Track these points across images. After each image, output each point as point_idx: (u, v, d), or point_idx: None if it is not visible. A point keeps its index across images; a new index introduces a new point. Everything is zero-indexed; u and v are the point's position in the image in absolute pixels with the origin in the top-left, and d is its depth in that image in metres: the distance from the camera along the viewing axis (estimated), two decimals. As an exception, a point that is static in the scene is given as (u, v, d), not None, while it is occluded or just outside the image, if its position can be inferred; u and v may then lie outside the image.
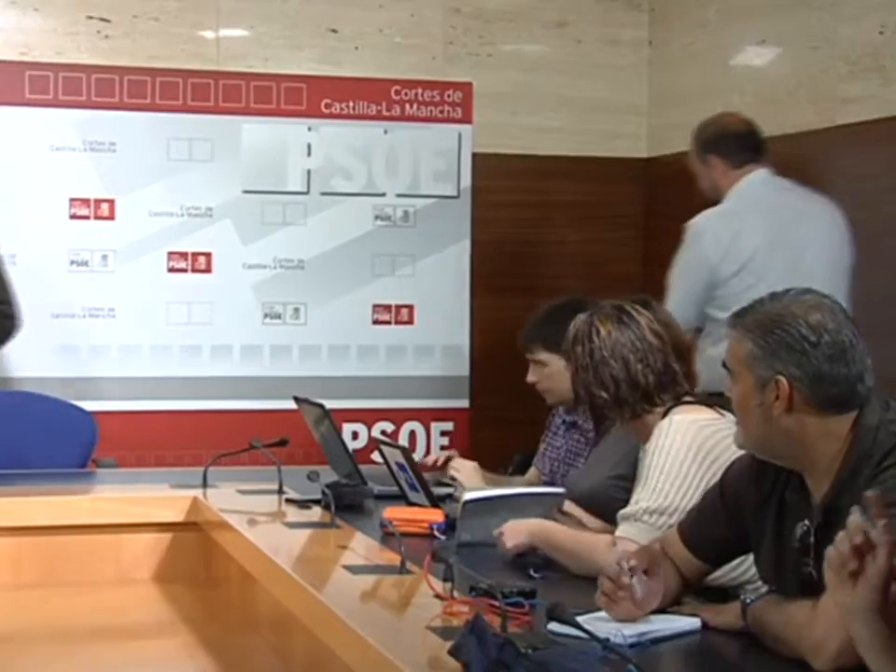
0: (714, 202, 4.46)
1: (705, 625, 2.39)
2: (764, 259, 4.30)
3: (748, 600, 2.31)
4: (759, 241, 4.33)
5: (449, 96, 5.73)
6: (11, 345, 5.26)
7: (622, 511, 2.86)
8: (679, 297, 4.33)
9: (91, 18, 5.47)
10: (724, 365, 2.41)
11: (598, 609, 2.37)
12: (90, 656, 3.21)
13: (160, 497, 3.84)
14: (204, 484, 3.89)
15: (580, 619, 2.22)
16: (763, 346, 2.32)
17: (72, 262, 5.39)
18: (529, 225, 5.10)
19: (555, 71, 5.97)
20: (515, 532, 2.96)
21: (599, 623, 2.28)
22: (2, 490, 3.84)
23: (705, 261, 4.35)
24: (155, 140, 5.46)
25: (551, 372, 3.77)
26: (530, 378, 3.87)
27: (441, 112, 5.73)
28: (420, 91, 5.72)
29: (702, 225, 4.38)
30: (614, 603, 2.36)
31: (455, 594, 2.50)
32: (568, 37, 5.98)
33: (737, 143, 4.44)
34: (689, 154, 4.55)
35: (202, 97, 5.51)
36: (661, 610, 2.41)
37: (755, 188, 4.42)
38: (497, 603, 2.33)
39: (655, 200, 5.92)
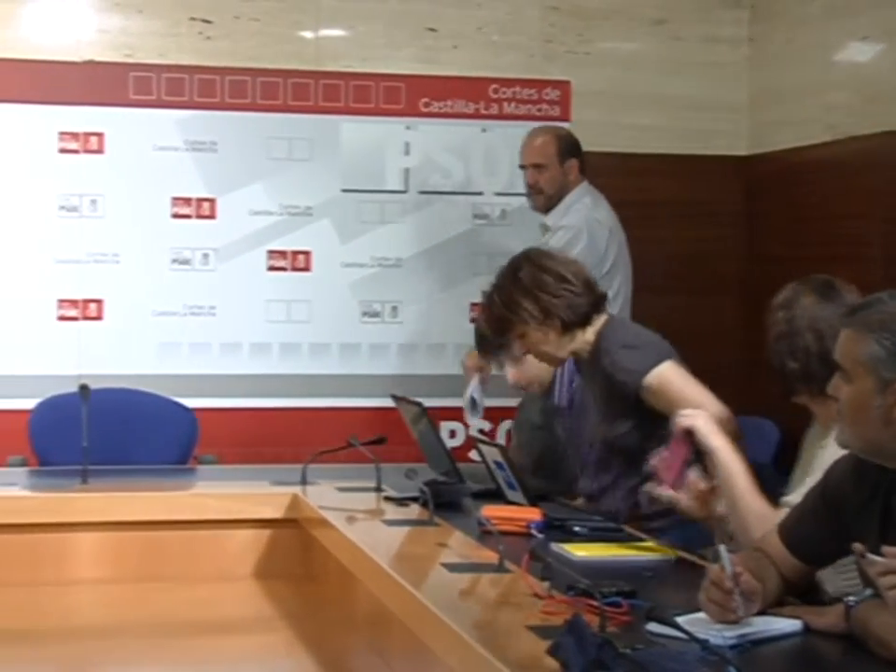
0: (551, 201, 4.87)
1: (806, 627, 2.36)
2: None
3: (851, 602, 2.28)
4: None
5: (547, 94, 5.73)
6: (114, 343, 5.36)
7: (787, 498, 2.81)
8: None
9: (193, 19, 5.53)
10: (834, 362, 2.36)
11: (698, 610, 2.35)
12: (189, 651, 3.24)
13: (259, 494, 3.87)
14: (304, 482, 3.92)
15: (679, 619, 2.20)
16: (888, 348, 2.27)
17: (173, 261, 5.45)
18: (627, 223, 5.06)
19: (654, 69, 5.94)
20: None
21: (699, 624, 2.26)
22: (105, 485, 3.89)
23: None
24: (255, 139, 5.51)
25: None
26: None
27: (539, 110, 5.72)
28: (518, 89, 5.72)
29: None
30: (716, 607, 2.33)
31: (554, 593, 2.50)
32: (667, 35, 5.94)
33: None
34: (545, 156, 4.88)
35: (301, 97, 5.55)
36: (762, 612, 2.38)
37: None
38: (595, 602, 2.32)
39: (756, 197, 5.86)
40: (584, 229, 4.79)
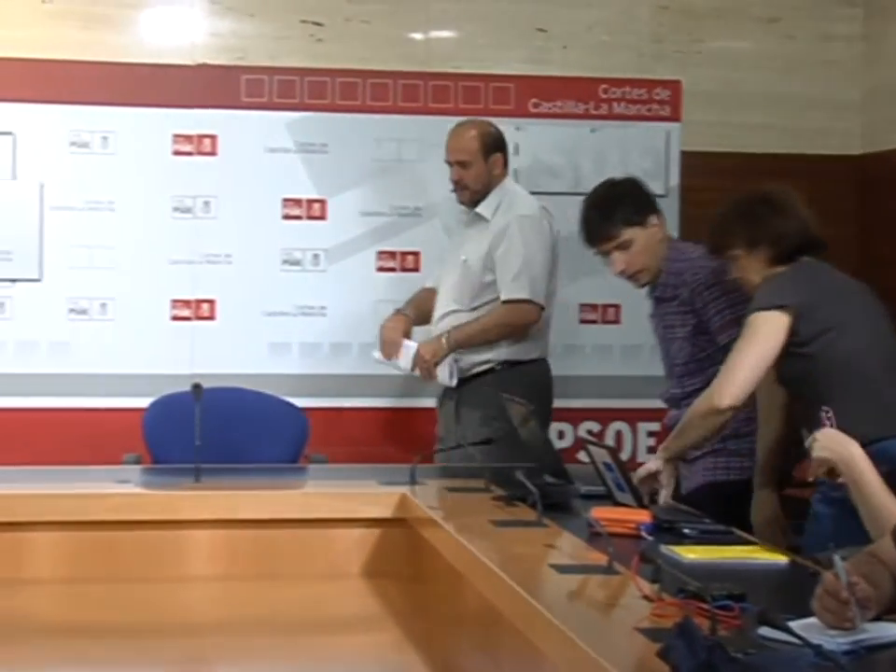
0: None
1: (922, 634, 2.32)
2: None
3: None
4: None
5: (657, 94, 5.69)
6: (226, 343, 5.42)
7: None
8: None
9: (304, 22, 5.58)
10: None
11: (810, 615, 2.33)
12: (299, 648, 3.27)
13: (369, 494, 3.89)
14: (412, 482, 3.93)
15: (791, 624, 2.18)
16: None
17: (284, 262, 5.50)
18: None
19: (766, 68, 5.88)
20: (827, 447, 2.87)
21: (812, 629, 2.24)
22: (217, 484, 3.94)
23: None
24: (365, 141, 5.55)
25: (641, 246, 4.06)
26: (618, 267, 4.13)
27: (649, 110, 5.69)
28: (628, 89, 5.69)
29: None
30: (830, 615, 2.30)
31: (663, 595, 2.48)
32: (780, 33, 5.89)
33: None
34: (470, 153, 4.90)
35: (411, 98, 5.58)
36: (876, 618, 2.35)
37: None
38: (705, 606, 2.31)
39: (869, 197, 5.78)
40: (540, 216, 4.91)
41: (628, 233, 4.09)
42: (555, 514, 3.39)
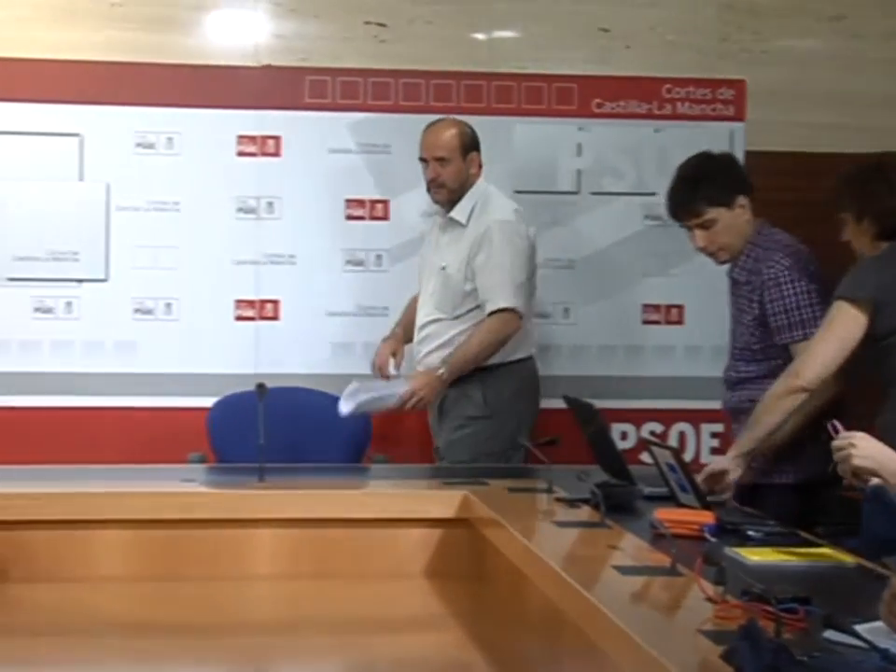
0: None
1: None
2: None
3: None
4: None
5: (721, 94, 5.67)
6: (289, 342, 5.45)
7: None
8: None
9: (367, 23, 5.59)
10: None
11: (877, 618, 2.31)
12: (362, 647, 3.27)
13: (431, 494, 3.90)
14: (475, 482, 3.94)
15: (857, 627, 2.16)
16: None
17: (347, 262, 5.52)
18: (803, 224, 4.97)
19: (832, 66, 5.83)
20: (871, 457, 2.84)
21: (878, 633, 2.22)
22: (281, 483, 3.96)
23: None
24: (428, 141, 5.55)
25: (724, 226, 4.04)
26: (698, 244, 4.09)
27: (713, 110, 5.67)
28: (692, 89, 5.67)
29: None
30: (896, 620, 2.28)
31: (728, 597, 2.47)
32: (846, 32, 5.84)
33: None
34: (449, 150, 4.85)
35: (474, 98, 5.58)
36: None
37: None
38: (770, 608, 2.30)
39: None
40: (516, 221, 4.85)
41: (712, 212, 4.05)
42: (618, 515, 3.38)
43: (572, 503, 3.62)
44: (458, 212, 4.87)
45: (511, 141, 5.60)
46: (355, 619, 3.45)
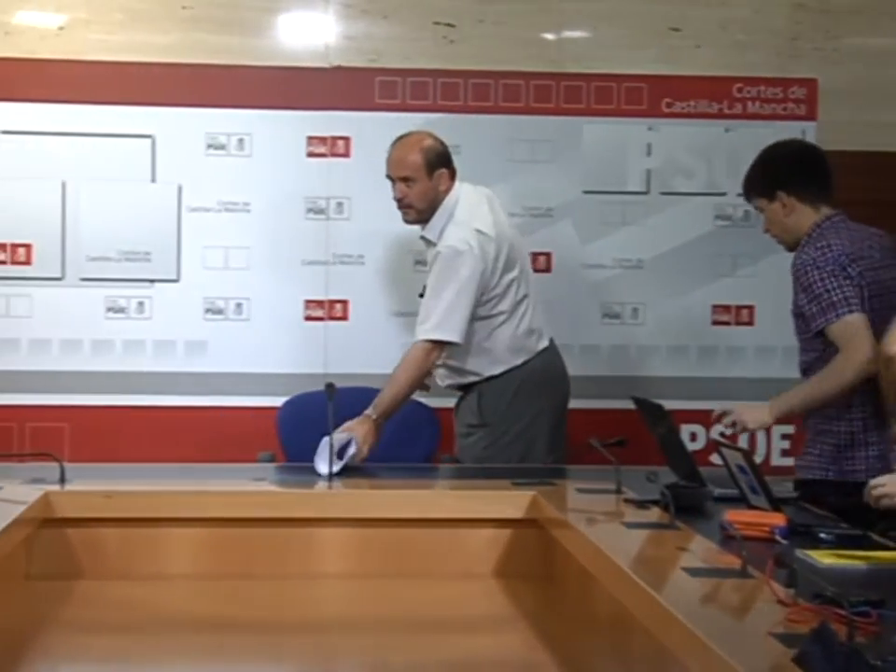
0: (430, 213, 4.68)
1: None
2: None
3: None
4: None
5: (793, 93, 5.63)
6: (358, 343, 5.47)
7: None
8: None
9: (437, 23, 5.60)
10: None
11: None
12: (431, 647, 3.28)
13: (500, 494, 3.90)
14: (544, 482, 3.93)
15: (931, 632, 2.15)
16: None
17: (416, 262, 5.53)
18: (875, 223, 4.93)
19: (904, 65, 5.79)
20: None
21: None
22: (350, 483, 3.98)
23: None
24: (497, 141, 5.56)
25: (769, 217, 4.10)
26: (765, 227, 4.18)
27: (784, 109, 5.63)
28: (763, 88, 5.63)
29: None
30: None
31: (799, 600, 2.45)
32: (921, 29, 5.79)
33: None
34: (414, 169, 4.65)
35: (543, 98, 5.58)
36: None
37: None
38: (842, 611, 2.28)
39: None
40: (464, 249, 4.56)
41: (757, 201, 4.14)
42: (688, 517, 3.37)
43: (641, 504, 3.61)
44: (429, 231, 4.71)
45: (580, 141, 5.59)
46: (423, 619, 3.46)
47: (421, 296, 4.72)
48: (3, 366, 5.46)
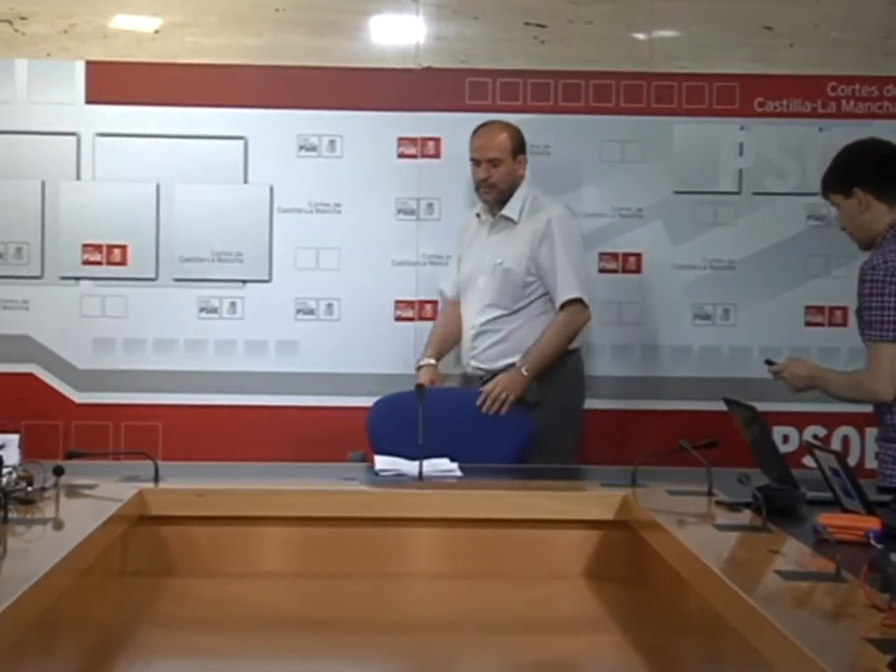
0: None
1: None
2: None
3: None
4: None
5: (889, 91, 5.57)
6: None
7: None
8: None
9: (527, 24, 5.60)
10: None
11: None
12: (521, 648, 3.28)
13: (590, 495, 3.89)
14: (634, 484, 3.92)
15: None
16: None
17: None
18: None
19: None
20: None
21: None
22: (440, 483, 3.99)
23: None
24: (588, 142, 5.55)
25: (843, 214, 4.08)
26: (842, 222, 4.16)
27: (880, 108, 5.57)
28: (857, 86, 5.57)
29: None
30: None
31: (894, 605, 2.42)
32: None
33: None
34: (501, 151, 5.01)
35: (634, 98, 5.56)
36: None
37: None
38: (939, 617, 2.25)
39: None
40: (571, 216, 5.04)
41: (833, 197, 4.12)
42: (780, 520, 3.34)
43: (733, 506, 3.58)
44: (510, 209, 5.01)
45: (670, 141, 5.57)
46: (513, 619, 3.46)
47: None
48: (99, 365, 5.55)
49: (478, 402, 4.83)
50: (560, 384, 4.96)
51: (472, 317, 5.05)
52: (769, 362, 4.31)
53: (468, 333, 5.06)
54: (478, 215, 5.15)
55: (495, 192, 5.02)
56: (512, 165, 5.02)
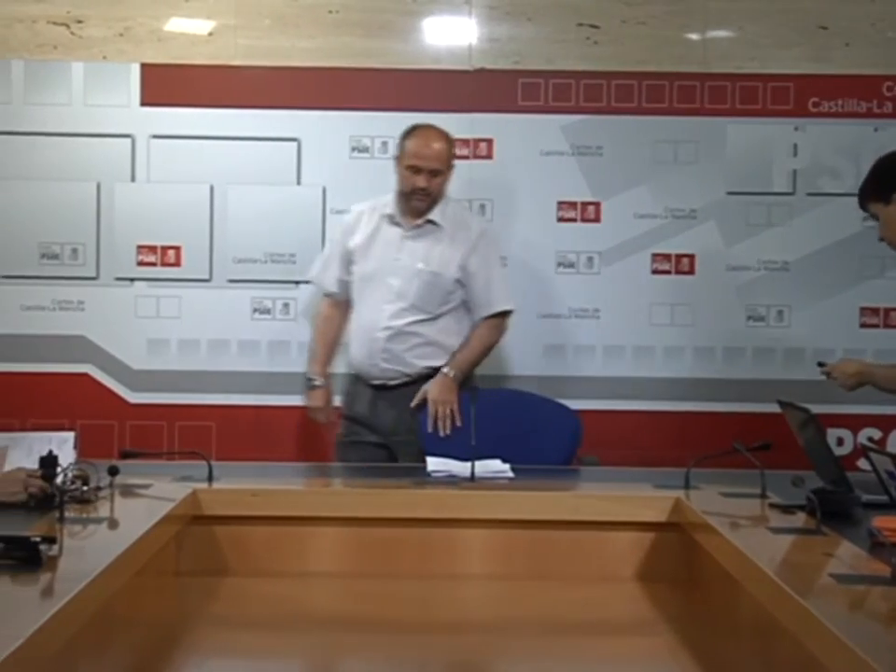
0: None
1: None
2: None
3: None
4: None
5: (945, 91, 5.52)
6: (502, 345, 5.47)
7: None
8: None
9: (580, 25, 5.59)
10: None
11: None
12: (573, 650, 3.27)
13: (642, 497, 3.88)
14: (687, 486, 3.90)
15: None
16: None
17: (559, 264, 5.53)
18: None
19: None
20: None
21: None
22: (492, 484, 3.99)
23: None
24: (640, 143, 5.54)
25: (883, 221, 4.04)
26: (881, 232, 4.14)
27: (936, 108, 5.52)
28: (914, 86, 5.53)
29: None
30: None
31: (950, 610, 2.41)
32: None
33: None
34: (443, 162, 4.83)
35: (687, 99, 5.54)
36: None
37: None
38: None
39: None
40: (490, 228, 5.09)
41: (872, 207, 4.09)
42: (835, 523, 3.31)
43: (787, 509, 3.56)
44: (436, 215, 4.87)
45: (724, 142, 5.54)
46: (564, 621, 3.45)
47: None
48: (154, 366, 5.59)
49: (429, 429, 4.74)
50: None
51: (383, 319, 4.84)
52: (821, 364, 4.29)
53: (377, 335, 4.85)
54: (390, 216, 4.93)
55: (428, 201, 4.83)
56: (447, 175, 4.86)
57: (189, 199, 5.56)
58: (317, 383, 5.04)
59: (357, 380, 4.98)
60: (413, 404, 4.79)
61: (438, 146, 4.83)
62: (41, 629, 2.30)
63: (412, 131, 4.89)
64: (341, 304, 5.05)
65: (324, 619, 3.40)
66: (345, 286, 5.01)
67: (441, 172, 4.82)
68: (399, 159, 4.87)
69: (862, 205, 4.16)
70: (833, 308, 5.53)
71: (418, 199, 4.83)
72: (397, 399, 4.86)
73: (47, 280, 5.57)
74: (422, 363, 4.85)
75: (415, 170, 4.79)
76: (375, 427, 4.91)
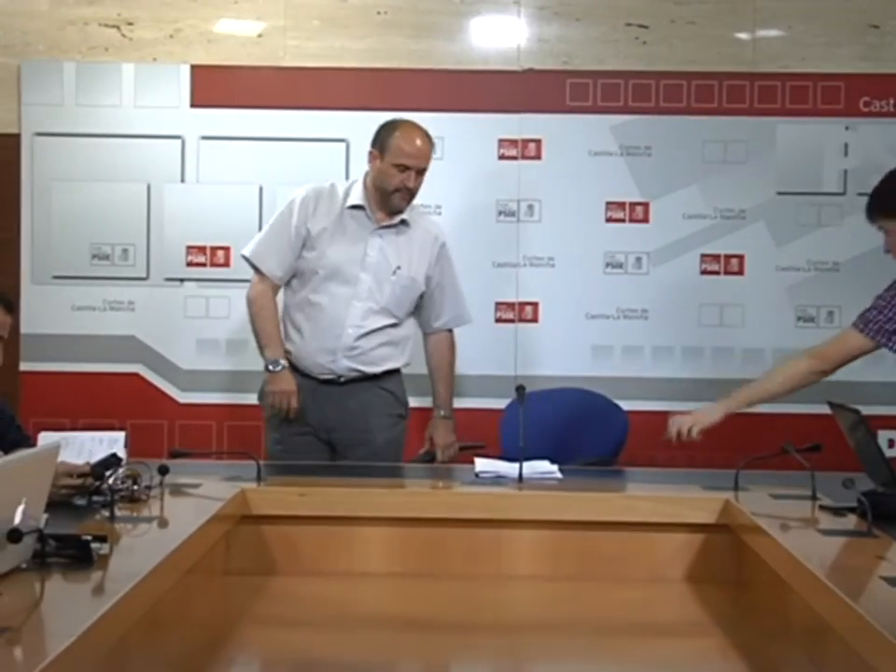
0: None
1: None
2: None
3: None
4: None
5: None
6: (548, 345, 5.48)
7: None
8: None
9: (629, 25, 5.58)
10: None
11: None
12: (621, 651, 3.26)
13: (691, 498, 3.86)
14: (736, 487, 3.89)
15: None
16: None
17: (607, 265, 5.52)
18: None
19: None
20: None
21: None
22: (541, 484, 3.99)
23: None
24: (689, 143, 5.52)
25: (892, 238, 3.98)
26: (885, 248, 4.10)
27: None
28: (964, 85, 5.49)
29: None
30: None
31: None
32: None
33: None
34: (429, 162, 4.65)
35: (736, 99, 5.51)
36: None
37: None
38: None
39: None
40: None
41: (881, 221, 4.02)
42: (886, 525, 3.29)
43: (837, 511, 3.54)
44: (407, 214, 4.71)
45: (773, 142, 5.52)
46: (614, 622, 3.44)
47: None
48: (203, 366, 5.61)
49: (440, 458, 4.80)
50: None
51: (353, 316, 4.67)
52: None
53: (345, 331, 4.67)
54: (361, 207, 4.70)
55: (409, 200, 4.67)
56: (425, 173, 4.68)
57: (239, 200, 5.59)
58: (282, 365, 4.69)
59: (293, 370, 4.73)
60: (420, 453, 4.80)
61: (426, 144, 4.65)
62: (93, 627, 2.32)
63: (395, 126, 4.68)
64: (274, 286, 4.76)
65: (371, 619, 3.41)
66: (290, 271, 4.73)
67: (425, 171, 4.65)
68: (379, 153, 4.64)
69: (871, 217, 4.06)
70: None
71: (402, 197, 4.64)
72: (342, 395, 4.71)
73: (98, 280, 5.61)
74: (382, 364, 4.73)
75: (403, 168, 4.60)
76: (311, 421, 4.72)
